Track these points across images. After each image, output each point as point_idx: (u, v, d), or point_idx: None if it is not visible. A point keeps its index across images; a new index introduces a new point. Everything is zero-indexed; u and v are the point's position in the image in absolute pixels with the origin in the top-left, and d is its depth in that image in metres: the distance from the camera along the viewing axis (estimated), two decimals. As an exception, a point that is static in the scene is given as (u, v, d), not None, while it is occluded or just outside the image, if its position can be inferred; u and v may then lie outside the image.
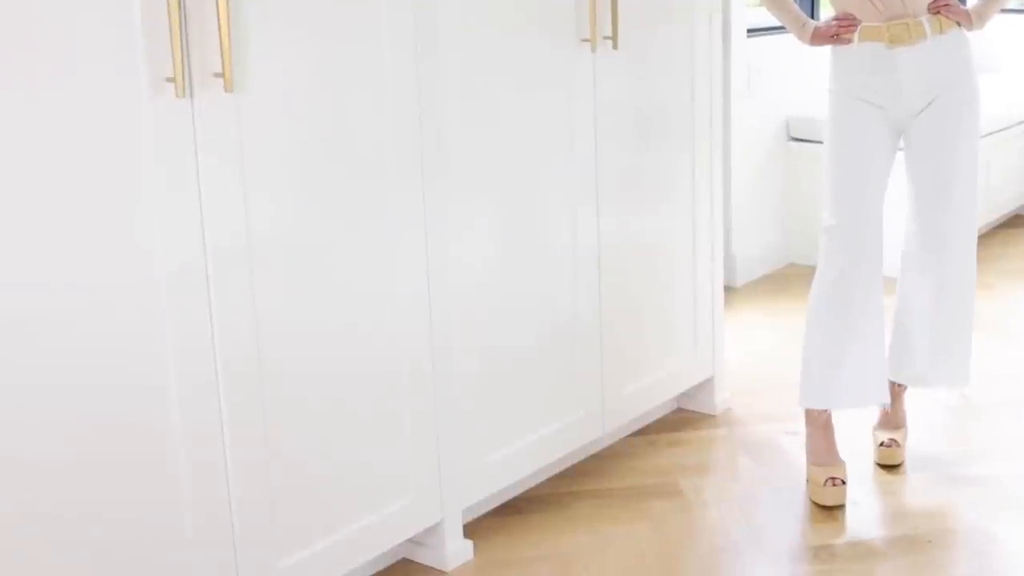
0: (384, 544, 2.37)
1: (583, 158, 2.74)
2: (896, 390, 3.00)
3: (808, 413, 2.87)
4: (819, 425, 2.84)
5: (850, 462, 2.88)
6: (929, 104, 2.73)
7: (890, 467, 2.93)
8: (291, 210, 2.10)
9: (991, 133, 5.01)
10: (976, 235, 2.84)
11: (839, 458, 2.82)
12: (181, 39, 1.82)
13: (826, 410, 2.84)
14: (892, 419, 3.01)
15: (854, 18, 2.71)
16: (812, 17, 4.97)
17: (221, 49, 1.87)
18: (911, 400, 3.14)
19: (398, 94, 2.26)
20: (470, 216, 2.47)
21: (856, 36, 2.70)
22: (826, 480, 2.75)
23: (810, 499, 2.77)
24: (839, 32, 2.72)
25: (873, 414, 3.09)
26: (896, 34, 2.67)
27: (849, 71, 2.73)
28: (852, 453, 2.96)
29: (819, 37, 2.77)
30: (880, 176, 2.74)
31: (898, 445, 2.95)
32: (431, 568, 2.51)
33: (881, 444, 2.95)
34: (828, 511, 2.72)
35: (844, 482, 2.76)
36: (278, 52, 2.03)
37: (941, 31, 2.70)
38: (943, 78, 2.72)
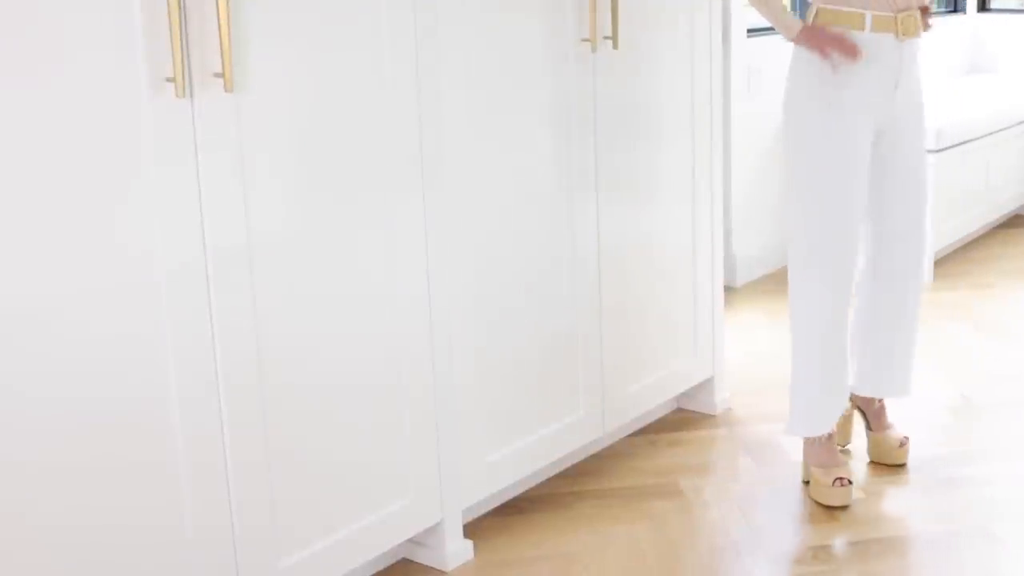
0: (384, 544, 2.37)
1: (583, 158, 2.74)
2: (876, 401, 3.00)
3: None
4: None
5: (849, 462, 2.89)
6: (906, 105, 2.72)
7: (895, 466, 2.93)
8: (291, 210, 2.10)
9: (991, 133, 5.01)
10: None
11: (841, 458, 2.81)
12: (181, 39, 1.82)
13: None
14: (886, 421, 3.02)
15: (855, 50, 2.55)
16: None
17: (221, 49, 1.87)
18: (911, 401, 3.14)
19: (398, 94, 2.26)
20: (470, 216, 2.47)
21: (868, 24, 2.60)
22: (834, 480, 2.74)
23: (813, 500, 2.77)
24: (838, 51, 2.55)
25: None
26: (907, 26, 2.63)
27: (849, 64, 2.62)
28: (852, 456, 2.96)
29: (814, 38, 2.56)
30: (865, 181, 2.69)
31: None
32: (431, 568, 2.51)
33: (901, 445, 2.96)
34: (828, 511, 2.72)
35: (851, 482, 2.75)
36: (278, 52, 2.03)
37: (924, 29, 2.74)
38: (917, 79, 2.74)
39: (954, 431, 3.16)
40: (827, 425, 2.78)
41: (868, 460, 2.97)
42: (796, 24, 2.61)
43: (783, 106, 2.72)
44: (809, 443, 2.82)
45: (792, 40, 2.63)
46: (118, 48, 1.79)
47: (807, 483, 2.83)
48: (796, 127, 2.66)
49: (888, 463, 2.94)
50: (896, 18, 2.63)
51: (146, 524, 1.93)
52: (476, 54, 2.43)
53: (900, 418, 3.24)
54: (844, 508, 2.73)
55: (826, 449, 2.79)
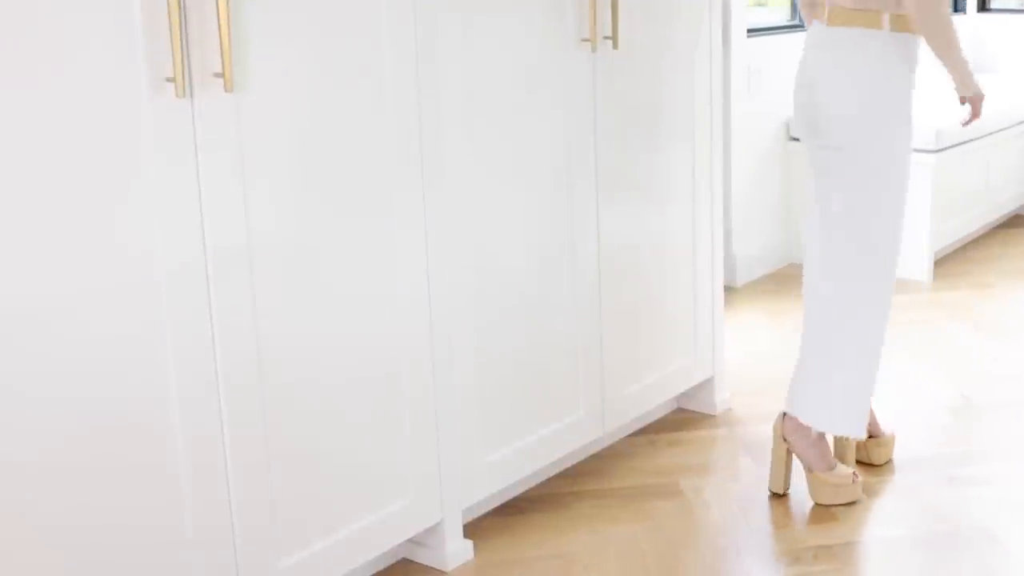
0: (384, 544, 2.37)
1: (583, 158, 2.74)
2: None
3: (810, 429, 2.78)
4: (820, 435, 2.79)
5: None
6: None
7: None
8: (291, 210, 2.10)
9: (991, 133, 5.01)
10: (840, 264, 2.77)
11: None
12: (181, 39, 1.82)
13: None
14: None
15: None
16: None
17: (221, 49, 1.87)
18: (912, 400, 3.14)
19: (398, 94, 2.26)
20: (470, 216, 2.47)
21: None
22: (852, 476, 2.76)
23: (824, 504, 2.75)
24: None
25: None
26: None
27: (906, 62, 2.63)
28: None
29: (979, 104, 2.71)
30: None
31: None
32: (431, 568, 2.51)
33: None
34: (828, 511, 2.72)
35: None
36: (278, 52, 2.03)
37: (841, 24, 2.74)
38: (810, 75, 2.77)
39: (954, 431, 3.16)
40: (864, 424, 2.79)
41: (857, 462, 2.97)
42: (976, 86, 2.67)
43: (861, 123, 2.61)
44: (819, 449, 2.77)
45: (969, 96, 2.67)
46: (118, 48, 1.79)
47: (780, 495, 2.82)
48: (884, 142, 2.61)
49: (883, 462, 2.95)
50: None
51: (146, 524, 1.93)
52: (476, 53, 2.43)
53: (901, 418, 3.24)
54: (853, 504, 2.74)
55: (827, 450, 2.79)
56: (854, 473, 2.76)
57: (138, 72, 1.81)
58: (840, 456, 2.88)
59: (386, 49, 2.22)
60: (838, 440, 2.89)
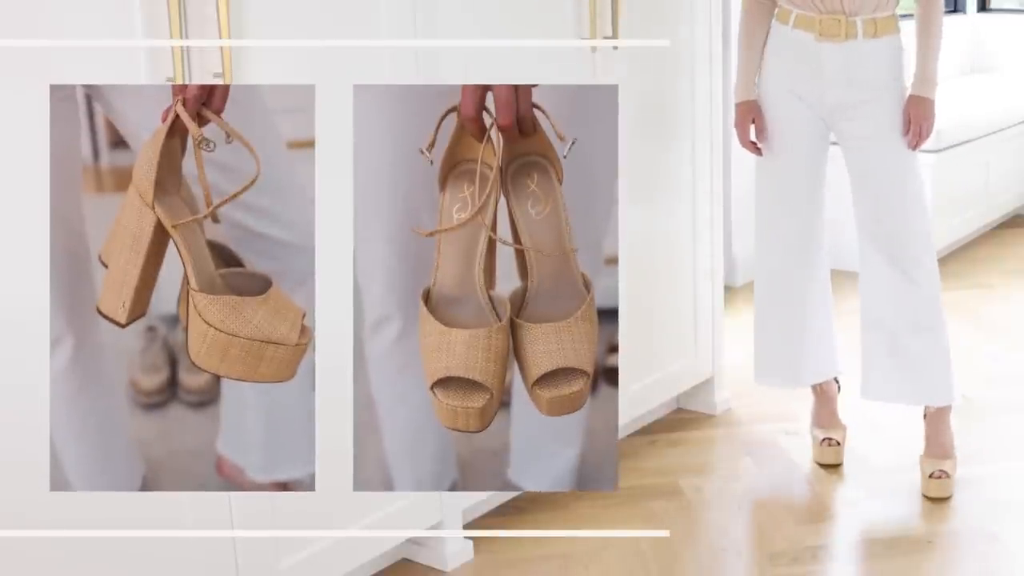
0: (384, 544, 2.37)
1: (583, 158, 2.73)
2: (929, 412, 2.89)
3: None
4: (819, 393, 3.02)
5: (850, 465, 2.91)
6: (856, 104, 2.72)
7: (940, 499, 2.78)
8: (291, 210, 2.09)
9: (991, 133, 5.01)
10: (930, 237, 2.75)
11: (839, 422, 3.00)
12: (181, 37, 1.82)
13: (827, 381, 3.03)
14: (938, 448, 2.83)
15: (759, 151, 2.86)
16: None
17: (221, 48, 1.87)
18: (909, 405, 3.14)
19: (398, 94, 2.25)
20: (470, 216, 2.47)
21: (791, 21, 2.75)
22: (822, 440, 2.96)
23: (813, 460, 2.98)
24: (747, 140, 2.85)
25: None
26: (827, 29, 2.70)
27: (780, 56, 2.80)
28: (852, 455, 2.97)
29: (743, 113, 2.83)
30: (812, 168, 2.83)
31: (947, 476, 2.78)
32: (431, 568, 2.51)
33: (931, 476, 2.78)
34: (828, 510, 2.72)
35: (839, 443, 2.95)
36: (278, 52, 2.03)
37: (875, 35, 2.70)
38: (869, 79, 2.71)
39: (954, 431, 3.15)
40: (775, 379, 3.04)
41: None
42: (744, 94, 2.84)
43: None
44: (814, 402, 3.04)
45: (736, 103, 2.85)
46: (118, 47, 1.79)
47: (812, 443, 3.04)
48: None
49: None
50: (816, 19, 2.70)
51: (146, 523, 1.92)
52: (476, 53, 2.43)
53: (901, 418, 3.23)
54: (836, 467, 2.93)
55: (825, 411, 3.02)
56: (826, 439, 2.98)
57: (138, 72, 1.81)
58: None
59: (385, 49, 2.22)
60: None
